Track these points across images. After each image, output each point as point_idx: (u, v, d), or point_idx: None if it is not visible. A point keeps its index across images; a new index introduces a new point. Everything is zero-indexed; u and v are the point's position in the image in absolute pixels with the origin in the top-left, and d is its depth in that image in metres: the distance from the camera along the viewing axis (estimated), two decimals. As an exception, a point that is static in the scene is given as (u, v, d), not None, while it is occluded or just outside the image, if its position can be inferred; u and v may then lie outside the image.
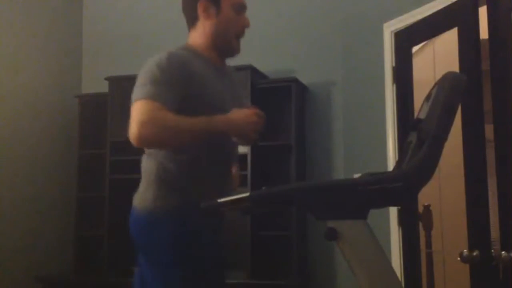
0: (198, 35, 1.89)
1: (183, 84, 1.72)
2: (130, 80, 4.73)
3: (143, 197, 1.80)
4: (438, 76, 1.50)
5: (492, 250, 2.05)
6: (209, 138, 1.72)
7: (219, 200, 1.53)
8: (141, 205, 1.79)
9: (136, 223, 1.80)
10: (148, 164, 1.84)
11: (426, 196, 2.51)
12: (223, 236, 1.94)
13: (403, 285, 2.15)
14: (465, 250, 2.12)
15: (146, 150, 1.85)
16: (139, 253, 1.82)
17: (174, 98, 1.69)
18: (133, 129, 1.61)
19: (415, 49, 2.90)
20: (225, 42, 1.88)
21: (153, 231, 1.76)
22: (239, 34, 1.91)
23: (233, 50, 1.91)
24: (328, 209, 1.43)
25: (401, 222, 2.99)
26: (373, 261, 1.41)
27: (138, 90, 1.69)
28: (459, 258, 2.12)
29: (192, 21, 1.91)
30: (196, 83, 1.76)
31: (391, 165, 3.13)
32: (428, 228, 2.73)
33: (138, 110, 1.64)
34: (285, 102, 3.76)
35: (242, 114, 1.74)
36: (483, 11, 2.22)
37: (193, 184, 1.78)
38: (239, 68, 2.94)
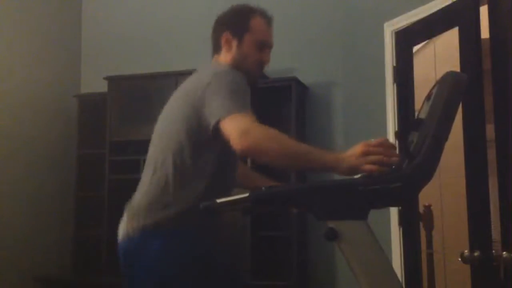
0: (219, 65, 1.91)
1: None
2: (129, 80, 4.71)
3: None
4: (439, 75, 1.49)
5: (493, 251, 2.04)
6: (311, 169, 1.65)
7: (218, 201, 1.52)
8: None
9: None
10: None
11: (426, 196, 2.50)
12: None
13: (403, 285, 2.15)
14: (466, 251, 2.11)
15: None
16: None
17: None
18: (239, 136, 1.58)
19: (415, 48, 2.89)
20: (247, 71, 1.88)
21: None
22: (256, 70, 1.92)
23: (252, 80, 1.89)
24: (328, 209, 1.42)
25: (402, 222, 2.98)
26: (373, 262, 1.40)
27: (230, 101, 1.65)
28: (460, 259, 2.11)
29: (216, 49, 1.96)
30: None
31: (391, 165, 3.11)
32: (429, 228, 2.72)
33: (241, 121, 1.60)
34: (285, 102, 3.75)
35: (353, 150, 1.51)
36: (484, 11, 2.21)
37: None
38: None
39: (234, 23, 1.93)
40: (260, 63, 1.93)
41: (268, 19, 1.97)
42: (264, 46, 1.93)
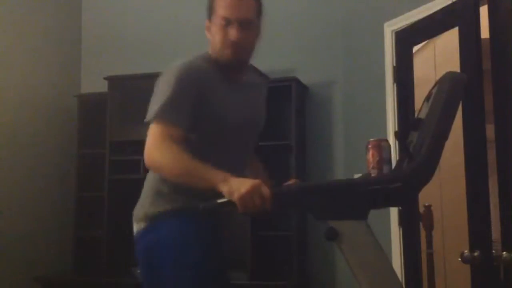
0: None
1: (197, 94, 1.77)
2: (129, 80, 4.70)
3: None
4: (439, 75, 1.50)
5: (493, 251, 2.04)
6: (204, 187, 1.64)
7: (218, 201, 1.52)
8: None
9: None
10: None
11: (426, 196, 2.50)
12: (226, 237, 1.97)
13: (403, 285, 2.15)
14: (466, 251, 2.11)
15: None
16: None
17: (187, 112, 1.75)
18: (145, 150, 1.73)
19: (415, 48, 2.89)
20: (218, 56, 1.86)
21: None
22: (224, 50, 1.83)
23: (227, 63, 1.85)
24: (329, 209, 1.42)
25: (402, 222, 2.98)
26: (373, 262, 1.40)
27: (154, 106, 1.77)
28: (460, 259, 2.11)
29: None
30: (209, 91, 1.80)
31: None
32: (429, 229, 2.72)
33: (152, 135, 1.74)
34: (285, 102, 3.75)
35: (248, 183, 1.50)
36: (484, 11, 2.21)
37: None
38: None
39: (207, 10, 1.89)
40: (226, 41, 1.80)
41: None
42: (229, 22, 1.79)
